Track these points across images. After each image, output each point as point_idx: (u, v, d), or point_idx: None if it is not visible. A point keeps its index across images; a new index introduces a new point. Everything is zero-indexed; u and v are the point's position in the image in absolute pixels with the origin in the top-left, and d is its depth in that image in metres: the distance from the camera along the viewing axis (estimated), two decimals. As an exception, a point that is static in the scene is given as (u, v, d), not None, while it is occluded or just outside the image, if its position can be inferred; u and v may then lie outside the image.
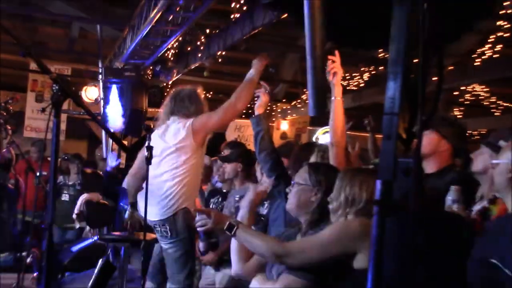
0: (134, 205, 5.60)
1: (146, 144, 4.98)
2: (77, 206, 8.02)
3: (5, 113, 6.66)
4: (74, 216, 8.17)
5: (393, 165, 1.58)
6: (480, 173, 4.03)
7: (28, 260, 7.28)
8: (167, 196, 5.31)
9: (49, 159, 3.03)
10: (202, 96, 5.92)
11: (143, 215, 5.31)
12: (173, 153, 5.40)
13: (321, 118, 4.26)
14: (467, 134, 5.05)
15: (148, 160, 4.93)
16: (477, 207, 3.89)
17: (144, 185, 5.00)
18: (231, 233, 3.39)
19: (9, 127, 7.88)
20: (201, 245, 5.63)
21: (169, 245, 5.33)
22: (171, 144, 5.42)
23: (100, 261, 2.49)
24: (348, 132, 5.32)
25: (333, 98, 4.24)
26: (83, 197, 7.88)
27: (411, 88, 1.63)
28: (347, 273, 3.06)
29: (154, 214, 5.35)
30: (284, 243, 3.29)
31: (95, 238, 7.18)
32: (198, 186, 5.87)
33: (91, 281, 2.45)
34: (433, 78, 1.68)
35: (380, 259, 1.56)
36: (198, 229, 3.62)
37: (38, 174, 9.22)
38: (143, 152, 5.15)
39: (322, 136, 14.09)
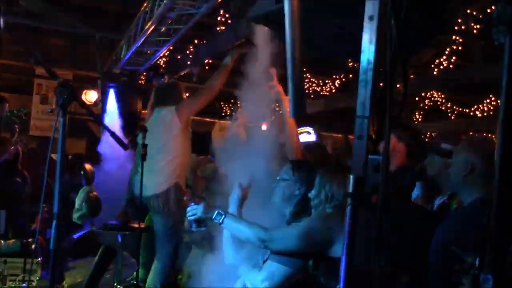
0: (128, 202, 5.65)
1: (142, 142, 4.99)
2: (78, 203, 8.02)
3: (17, 119, 6.64)
4: (77, 206, 8.16)
5: (364, 162, 1.61)
6: (435, 176, 4.09)
7: (33, 246, 7.23)
8: (160, 172, 5.34)
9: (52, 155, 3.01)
10: (182, 87, 6.08)
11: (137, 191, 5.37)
12: (162, 133, 5.46)
13: (298, 119, 4.29)
14: (421, 137, 5.10)
15: (144, 156, 4.94)
16: (437, 202, 3.95)
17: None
18: (220, 222, 3.40)
19: (17, 126, 7.82)
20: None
21: (161, 217, 5.36)
22: (160, 127, 5.45)
23: (101, 247, 2.48)
24: (323, 133, 5.37)
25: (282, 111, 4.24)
26: (84, 189, 7.86)
27: (379, 94, 1.66)
28: (324, 261, 3.07)
29: (148, 188, 5.38)
30: (269, 229, 3.30)
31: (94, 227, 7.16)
32: (188, 165, 5.86)
33: (93, 264, 2.45)
34: (397, 85, 1.71)
35: (353, 246, 1.59)
36: (188, 218, 3.63)
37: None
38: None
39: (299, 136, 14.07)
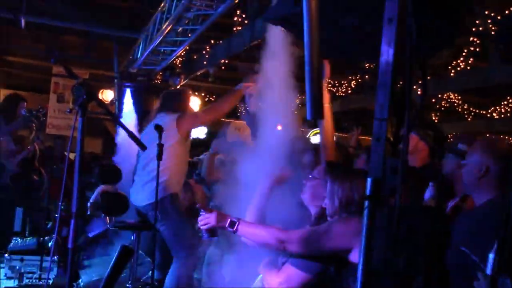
0: None
1: (158, 141, 5.01)
2: (93, 196, 8.01)
3: (35, 120, 6.70)
4: (88, 204, 8.17)
5: (382, 165, 1.61)
6: (449, 175, 4.09)
7: (50, 244, 7.28)
8: (153, 181, 5.32)
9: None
10: (189, 95, 6.00)
11: (135, 202, 5.39)
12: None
13: (313, 121, 4.29)
14: (444, 137, 5.09)
15: (160, 156, 4.96)
16: (451, 203, 3.93)
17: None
18: (233, 230, 3.33)
19: (34, 125, 7.88)
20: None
21: (163, 226, 5.35)
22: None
23: (120, 246, 2.48)
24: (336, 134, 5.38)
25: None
26: (99, 188, 7.87)
27: (398, 96, 1.66)
28: (344, 267, 3.03)
29: (142, 199, 5.38)
30: (287, 230, 3.24)
31: (109, 225, 7.18)
32: (184, 176, 5.82)
33: (111, 264, 2.45)
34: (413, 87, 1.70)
35: (369, 248, 1.59)
36: (201, 227, 3.57)
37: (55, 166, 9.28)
38: None
39: (313, 137, 14.08)
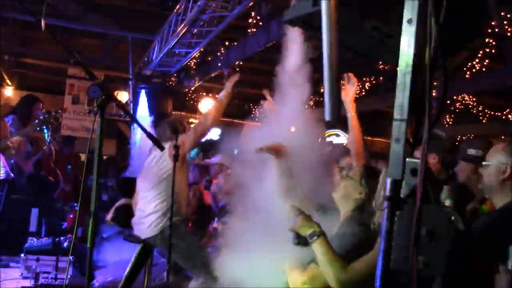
0: None
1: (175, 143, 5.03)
2: (111, 211, 8.08)
3: (54, 121, 6.74)
4: (107, 218, 8.21)
5: (402, 165, 1.61)
6: (465, 182, 4.08)
7: (65, 244, 7.32)
8: (153, 213, 5.31)
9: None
10: (184, 125, 5.94)
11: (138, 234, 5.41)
12: (154, 173, 5.42)
13: (331, 122, 4.28)
14: (453, 146, 5.09)
15: (175, 157, 4.97)
16: (469, 207, 3.93)
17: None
18: (310, 241, 3.15)
19: (50, 126, 7.93)
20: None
21: (172, 254, 5.31)
22: (153, 165, 5.43)
23: (139, 247, 2.51)
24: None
25: (349, 114, 4.19)
26: (118, 203, 7.90)
27: (417, 97, 1.66)
28: None
29: (144, 232, 5.40)
30: (347, 269, 3.06)
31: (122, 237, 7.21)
32: (184, 203, 5.75)
33: (130, 263, 2.47)
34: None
35: (389, 247, 1.59)
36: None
37: (69, 167, 9.34)
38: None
39: (328, 138, 14.10)
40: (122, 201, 7.99)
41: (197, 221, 7.62)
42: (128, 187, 8.16)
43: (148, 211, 5.41)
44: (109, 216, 7.89)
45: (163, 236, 5.14)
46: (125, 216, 7.15)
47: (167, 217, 5.23)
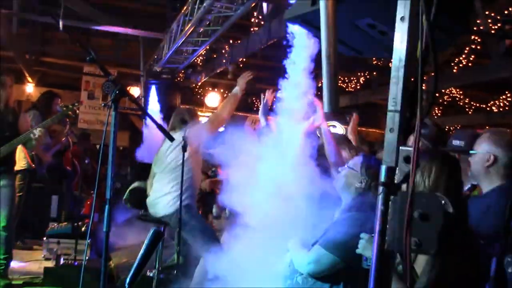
0: None
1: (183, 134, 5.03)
2: (126, 193, 8.06)
3: (72, 114, 6.74)
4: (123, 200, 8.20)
5: (396, 153, 1.60)
6: None
7: (83, 229, 7.35)
8: (169, 193, 5.31)
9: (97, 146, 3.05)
10: (195, 113, 5.98)
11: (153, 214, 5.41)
12: (172, 157, 5.40)
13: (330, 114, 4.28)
14: (443, 134, 5.07)
15: (184, 148, 4.97)
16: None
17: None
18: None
19: (68, 120, 7.93)
20: None
21: (184, 233, 5.33)
22: (170, 150, 5.42)
23: (151, 230, 2.50)
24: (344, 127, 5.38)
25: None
26: (132, 185, 7.90)
27: (409, 89, 1.65)
28: None
29: (159, 211, 5.42)
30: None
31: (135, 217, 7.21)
32: (197, 188, 5.81)
33: (143, 247, 2.47)
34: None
35: (384, 229, 1.59)
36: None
37: (87, 161, 9.36)
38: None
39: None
40: (135, 184, 7.99)
41: (200, 206, 7.63)
42: (141, 172, 8.18)
43: (164, 191, 5.44)
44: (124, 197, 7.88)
45: (177, 215, 5.15)
46: (139, 198, 7.15)
47: (184, 197, 5.23)
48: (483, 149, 3.16)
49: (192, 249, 5.50)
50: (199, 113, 7.27)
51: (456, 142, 3.88)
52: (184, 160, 5.10)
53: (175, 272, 5.38)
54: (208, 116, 6.91)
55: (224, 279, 3.99)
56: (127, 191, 7.56)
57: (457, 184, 2.57)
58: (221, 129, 6.43)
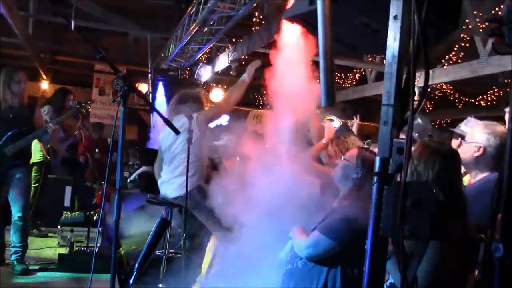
0: None
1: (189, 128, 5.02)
2: (133, 175, 8.06)
3: (84, 111, 6.76)
4: (127, 181, 8.20)
5: (389, 145, 1.60)
6: None
7: (95, 217, 7.36)
8: (182, 175, 5.27)
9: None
10: (202, 96, 5.90)
11: (165, 196, 5.39)
12: (181, 141, 5.34)
13: (328, 107, 4.27)
14: (430, 127, 5.05)
15: (190, 140, 4.96)
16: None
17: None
18: None
19: (80, 115, 7.94)
20: None
21: (197, 212, 5.31)
22: (181, 133, 5.36)
23: (158, 219, 2.51)
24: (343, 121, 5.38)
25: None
26: (140, 169, 7.92)
27: (403, 84, 1.65)
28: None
29: (172, 191, 5.37)
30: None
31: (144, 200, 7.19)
32: (205, 170, 5.63)
33: (150, 235, 2.47)
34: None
35: (378, 217, 1.59)
36: None
37: (96, 150, 9.37)
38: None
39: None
40: (144, 169, 7.98)
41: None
42: (148, 157, 8.17)
43: (177, 173, 5.39)
44: (130, 178, 7.87)
45: (189, 196, 5.15)
46: (148, 181, 7.15)
47: (195, 178, 5.25)
48: (475, 139, 3.15)
49: (203, 229, 5.51)
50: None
51: (463, 128, 3.86)
52: (191, 143, 5.07)
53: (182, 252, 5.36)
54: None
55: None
56: (135, 174, 7.57)
57: (457, 177, 2.64)
58: (226, 118, 6.37)
